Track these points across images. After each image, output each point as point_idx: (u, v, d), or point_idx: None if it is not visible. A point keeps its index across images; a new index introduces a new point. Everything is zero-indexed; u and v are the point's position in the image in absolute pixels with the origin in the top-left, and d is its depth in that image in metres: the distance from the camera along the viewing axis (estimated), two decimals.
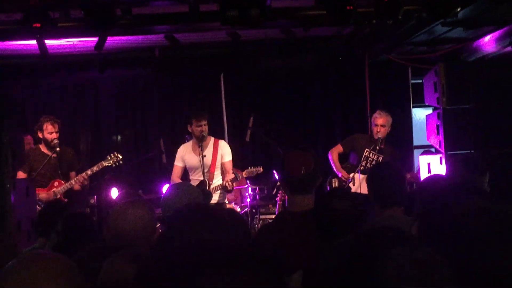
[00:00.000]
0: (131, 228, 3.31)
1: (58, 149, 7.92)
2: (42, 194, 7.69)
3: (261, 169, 7.95)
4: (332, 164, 8.35)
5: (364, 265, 1.48)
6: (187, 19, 7.03)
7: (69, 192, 7.92)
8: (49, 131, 7.91)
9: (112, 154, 8.22)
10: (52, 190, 7.81)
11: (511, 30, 7.86)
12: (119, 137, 10.29)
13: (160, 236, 2.11)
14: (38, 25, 6.21)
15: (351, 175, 8.08)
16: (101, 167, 8.07)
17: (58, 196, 7.80)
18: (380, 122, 8.07)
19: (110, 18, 6.51)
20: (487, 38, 8.45)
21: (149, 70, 9.84)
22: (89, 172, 7.97)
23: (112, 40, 8.19)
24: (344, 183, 8.14)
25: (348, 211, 3.16)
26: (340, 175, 8.24)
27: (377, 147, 7.99)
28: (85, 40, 8.05)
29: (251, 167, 8.00)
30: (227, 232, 1.95)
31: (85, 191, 8.29)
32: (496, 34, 8.20)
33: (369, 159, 7.98)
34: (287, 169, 3.69)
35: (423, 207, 3.47)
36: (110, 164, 8.14)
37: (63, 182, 7.88)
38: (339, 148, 8.44)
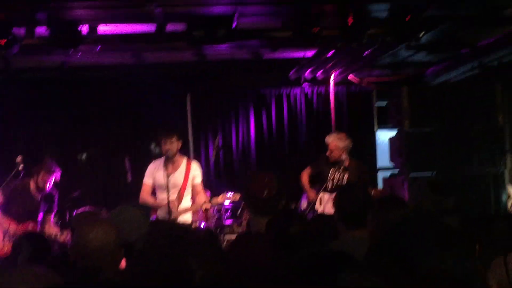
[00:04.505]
0: (96, 248, 3.28)
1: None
2: (12, 226, 7.58)
3: (238, 196, 7.88)
4: (303, 186, 8.43)
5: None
6: (154, 38, 7.05)
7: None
8: (44, 180, 7.81)
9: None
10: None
11: (471, 56, 8.03)
12: (84, 156, 10.20)
13: (136, 256, 2.11)
14: (3, 42, 6.16)
15: (318, 195, 8.14)
16: None
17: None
18: (328, 147, 8.22)
19: (76, 36, 6.49)
20: (448, 62, 8.62)
21: (114, 88, 9.84)
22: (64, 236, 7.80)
23: (77, 58, 8.18)
24: (311, 204, 8.20)
25: (301, 235, 3.14)
26: (307, 196, 8.31)
27: (342, 166, 8.10)
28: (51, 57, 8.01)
29: (228, 193, 8.01)
30: (204, 252, 1.97)
31: None
32: (457, 59, 8.37)
33: (335, 178, 8.06)
34: (251, 191, 3.70)
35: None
36: None
37: (37, 227, 7.76)
38: (308, 171, 8.54)
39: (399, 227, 1.74)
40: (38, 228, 7.72)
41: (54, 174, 7.85)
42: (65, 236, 7.66)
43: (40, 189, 7.80)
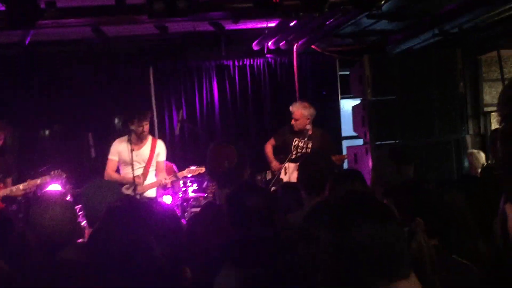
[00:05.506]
0: (52, 228, 3.28)
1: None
2: None
3: (203, 169, 7.95)
4: (266, 157, 8.49)
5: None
6: (114, 11, 6.96)
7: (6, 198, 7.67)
8: None
9: (56, 171, 7.95)
10: None
11: (432, 23, 8.08)
12: (47, 132, 10.09)
13: (94, 233, 2.11)
14: None
15: (283, 165, 8.19)
16: (44, 181, 7.77)
17: None
18: (293, 116, 8.25)
19: (34, 11, 6.37)
20: (409, 30, 8.66)
21: (76, 64, 9.72)
22: (38, 181, 7.68)
23: (38, 34, 8.06)
24: (275, 173, 8.25)
25: (258, 208, 3.11)
26: (271, 166, 8.36)
27: (305, 136, 8.15)
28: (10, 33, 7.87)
29: (193, 166, 8.04)
30: (161, 227, 1.97)
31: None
32: (418, 26, 8.42)
33: (299, 147, 8.11)
34: (211, 163, 3.70)
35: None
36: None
37: (1, 185, 7.64)
38: (272, 141, 8.61)
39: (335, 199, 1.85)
40: (3, 187, 7.61)
41: (5, 130, 7.73)
42: (32, 185, 7.58)
43: None
